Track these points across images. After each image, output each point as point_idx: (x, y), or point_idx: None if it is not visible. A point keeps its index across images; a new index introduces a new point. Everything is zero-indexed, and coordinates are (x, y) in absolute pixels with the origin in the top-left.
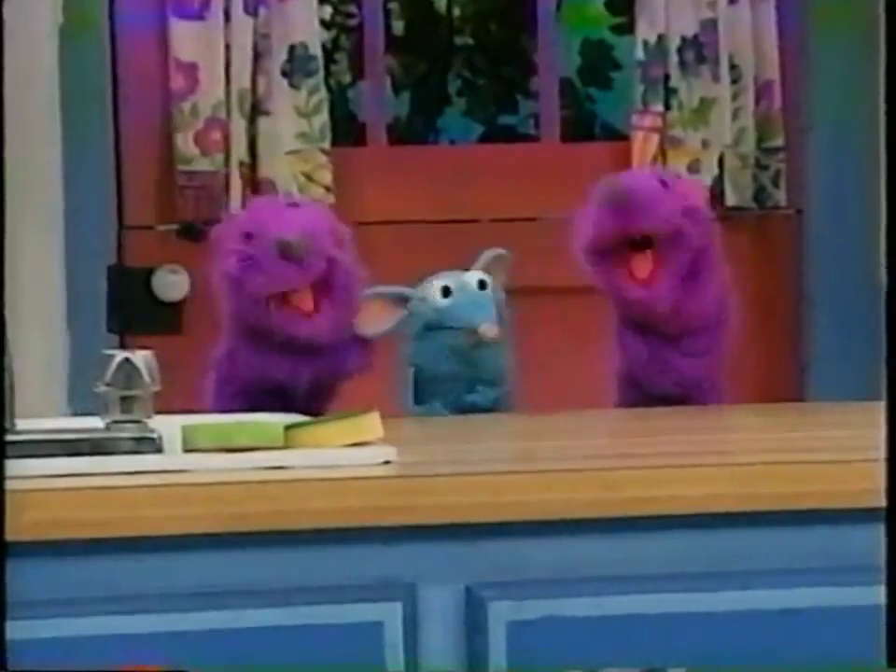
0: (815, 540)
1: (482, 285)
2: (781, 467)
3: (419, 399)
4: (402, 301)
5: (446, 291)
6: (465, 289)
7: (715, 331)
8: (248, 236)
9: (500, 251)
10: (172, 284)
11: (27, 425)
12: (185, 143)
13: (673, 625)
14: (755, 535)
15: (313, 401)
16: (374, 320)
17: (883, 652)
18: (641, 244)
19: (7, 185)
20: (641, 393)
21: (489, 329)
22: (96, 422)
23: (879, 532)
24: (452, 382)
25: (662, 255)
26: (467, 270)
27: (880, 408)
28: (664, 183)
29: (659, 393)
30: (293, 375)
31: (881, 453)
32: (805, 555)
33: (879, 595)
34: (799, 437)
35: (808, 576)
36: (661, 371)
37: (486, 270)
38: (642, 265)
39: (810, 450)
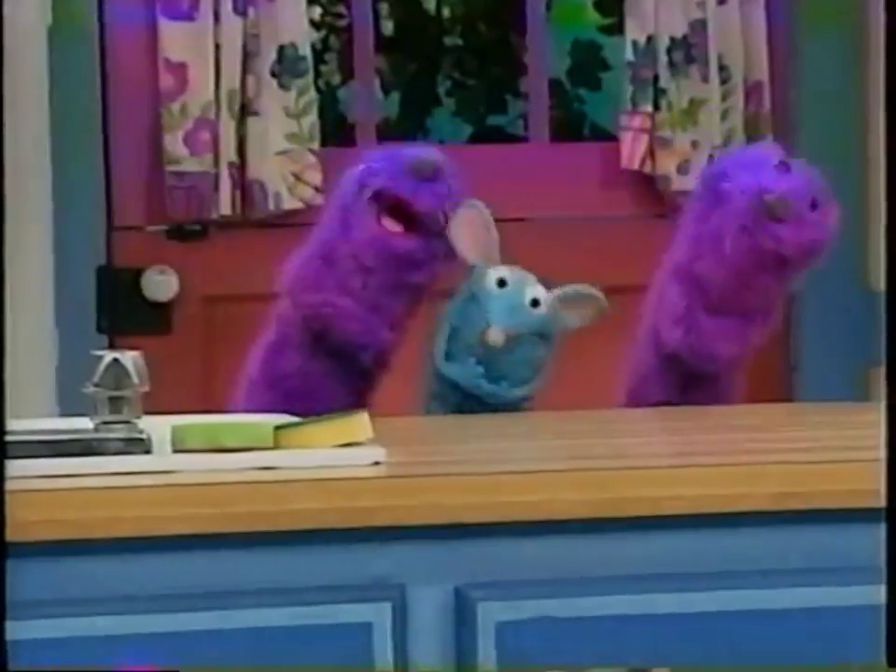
0: (813, 540)
1: (534, 303)
2: (777, 467)
3: (450, 356)
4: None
5: (501, 283)
6: (514, 293)
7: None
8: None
9: (596, 293)
10: (161, 284)
11: (16, 425)
12: (174, 143)
13: (665, 626)
14: (750, 535)
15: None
16: (472, 236)
17: (883, 652)
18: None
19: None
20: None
21: (494, 335)
22: (85, 423)
23: (879, 532)
24: (472, 356)
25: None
26: (546, 279)
27: (870, 408)
28: (813, 203)
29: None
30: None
31: (880, 453)
32: (802, 555)
33: (879, 595)
34: (792, 437)
35: (807, 576)
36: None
37: (567, 300)
38: None
39: (804, 450)
